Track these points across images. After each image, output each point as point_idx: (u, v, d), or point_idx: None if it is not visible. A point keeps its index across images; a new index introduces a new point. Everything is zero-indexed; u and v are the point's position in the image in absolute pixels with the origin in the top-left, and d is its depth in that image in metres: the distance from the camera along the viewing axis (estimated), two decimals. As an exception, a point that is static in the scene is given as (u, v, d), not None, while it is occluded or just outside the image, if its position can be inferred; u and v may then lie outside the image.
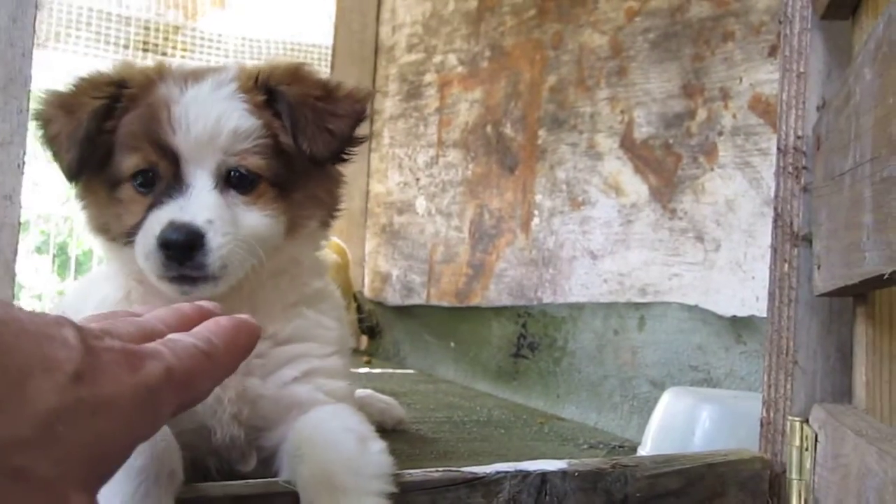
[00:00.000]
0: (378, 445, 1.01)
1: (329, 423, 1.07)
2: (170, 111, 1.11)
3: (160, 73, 1.19)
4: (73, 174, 1.17)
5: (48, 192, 5.04)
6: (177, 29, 3.70)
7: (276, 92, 1.18)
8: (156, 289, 1.13)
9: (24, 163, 1.17)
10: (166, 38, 3.66)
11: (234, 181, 1.13)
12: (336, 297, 1.36)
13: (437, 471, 1.03)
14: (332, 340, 1.24)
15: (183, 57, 3.65)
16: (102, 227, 1.21)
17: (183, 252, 1.05)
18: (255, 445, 1.15)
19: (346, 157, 1.25)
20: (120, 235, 1.16)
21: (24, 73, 1.05)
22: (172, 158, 1.11)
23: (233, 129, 1.12)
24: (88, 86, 1.18)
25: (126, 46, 3.57)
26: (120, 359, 0.57)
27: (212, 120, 1.11)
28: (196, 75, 1.18)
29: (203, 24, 3.74)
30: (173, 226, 1.06)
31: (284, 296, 1.22)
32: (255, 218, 1.13)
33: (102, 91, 1.16)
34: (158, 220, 1.08)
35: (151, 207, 1.10)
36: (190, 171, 1.11)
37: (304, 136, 1.16)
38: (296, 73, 1.22)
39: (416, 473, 1.01)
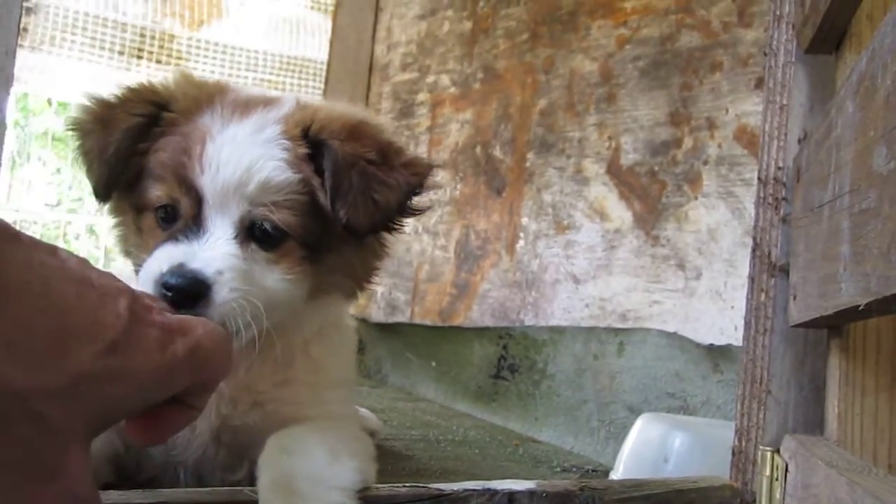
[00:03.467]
0: (353, 463, 0.99)
1: (304, 436, 1.05)
2: (203, 148, 1.02)
3: (210, 98, 1.09)
4: (100, 195, 1.10)
5: (39, 195, 5.02)
6: (172, 37, 3.70)
7: (324, 146, 1.06)
8: None
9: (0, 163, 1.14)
10: (161, 46, 3.66)
11: (258, 234, 1.03)
12: (344, 337, 1.29)
13: (404, 486, 1.02)
14: (328, 384, 1.19)
15: (178, 66, 3.65)
16: (126, 253, 1.14)
17: (183, 299, 0.94)
18: (247, 458, 1.13)
19: (394, 228, 1.14)
20: (138, 266, 1.05)
21: (6, 71, 1.04)
22: (196, 199, 1.02)
23: (263, 179, 1.02)
24: (130, 99, 1.10)
25: (121, 52, 3.57)
26: (155, 335, 0.63)
27: (242, 166, 1.01)
28: (246, 107, 1.08)
29: (199, 33, 3.74)
30: (180, 270, 0.96)
31: (279, 360, 1.14)
32: (275, 279, 1.03)
33: (142, 108, 1.08)
34: (166, 259, 0.98)
35: (164, 241, 1.02)
36: (212, 215, 1.01)
37: (343, 201, 1.04)
38: (354, 130, 1.10)
39: (382, 488, 1.01)
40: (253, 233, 1.03)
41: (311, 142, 1.07)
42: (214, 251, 1.00)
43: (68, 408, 0.56)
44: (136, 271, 1.07)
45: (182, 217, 1.04)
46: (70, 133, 1.11)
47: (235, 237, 1.02)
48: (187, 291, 0.95)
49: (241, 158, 1.02)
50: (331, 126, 1.08)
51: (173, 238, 1.01)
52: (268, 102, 1.11)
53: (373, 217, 1.07)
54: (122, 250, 1.16)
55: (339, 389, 1.21)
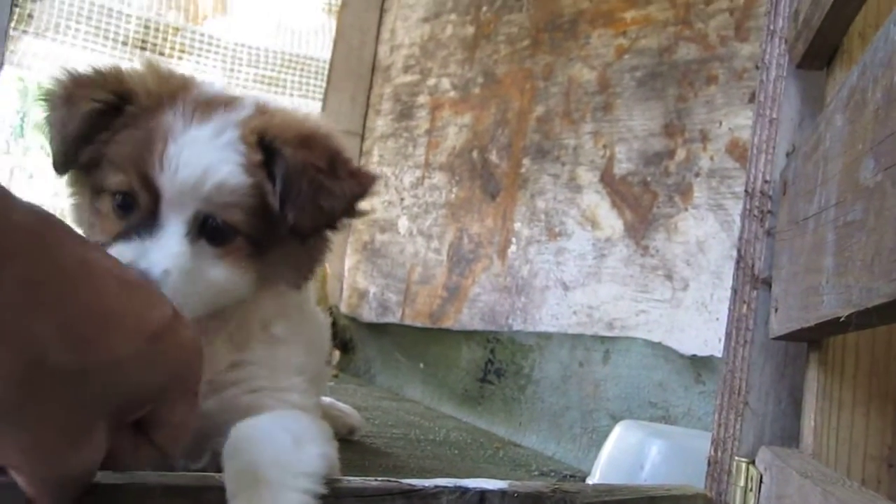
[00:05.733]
0: (317, 449, 1.00)
1: (267, 425, 1.05)
2: (164, 147, 1.08)
3: (173, 95, 1.14)
4: (57, 167, 1.15)
5: (42, 185, 5.02)
6: (176, 30, 3.71)
7: (277, 153, 1.13)
8: None
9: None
10: (165, 39, 3.66)
11: (209, 231, 1.10)
12: (309, 322, 1.34)
13: (376, 480, 1.02)
14: (287, 366, 1.22)
15: (180, 59, 3.66)
16: (79, 225, 1.18)
17: None
18: (209, 447, 1.14)
19: (336, 228, 1.22)
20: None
21: (-2, 49, 1.05)
22: (154, 194, 1.08)
23: (219, 182, 1.09)
24: (95, 82, 1.15)
25: (125, 43, 3.57)
26: (190, 335, 0.72)
27: (200, 168, 1.08)
28: (208, 107, 1.14)
29: (203, 27, 3.75)
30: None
31: (234, 338, 1.19)
32: (221, 272, 1.10)
33: (103, 95, 1.13)
34: (118, 258, 1.04)
35: (119, 236, 1.07)
36: (167, 212, 1.08)
37: (293, 206, 1.11)
38: (306, 139, 1.17)
39: (353, 480, 1.00)
40: (204, 229, 1.10)
41: (266, 148, 1.13)
42: (164, 250, 1.06)
43: (105, 385, 0.63)
44: None
45: (139, 209, 1.09)
46: (40, 103, 1.17)
47: (187, 234, 1.08)
48: None
49: (199, 161, 1.08)
50: (284, 134, 1.15)
51: (127, 235, 1.07)
52: (229, 103, 1.17)
53: (318, 222, 1.16)
54: (75, 221, 1.21)
55: (300, 377, 1.22)
